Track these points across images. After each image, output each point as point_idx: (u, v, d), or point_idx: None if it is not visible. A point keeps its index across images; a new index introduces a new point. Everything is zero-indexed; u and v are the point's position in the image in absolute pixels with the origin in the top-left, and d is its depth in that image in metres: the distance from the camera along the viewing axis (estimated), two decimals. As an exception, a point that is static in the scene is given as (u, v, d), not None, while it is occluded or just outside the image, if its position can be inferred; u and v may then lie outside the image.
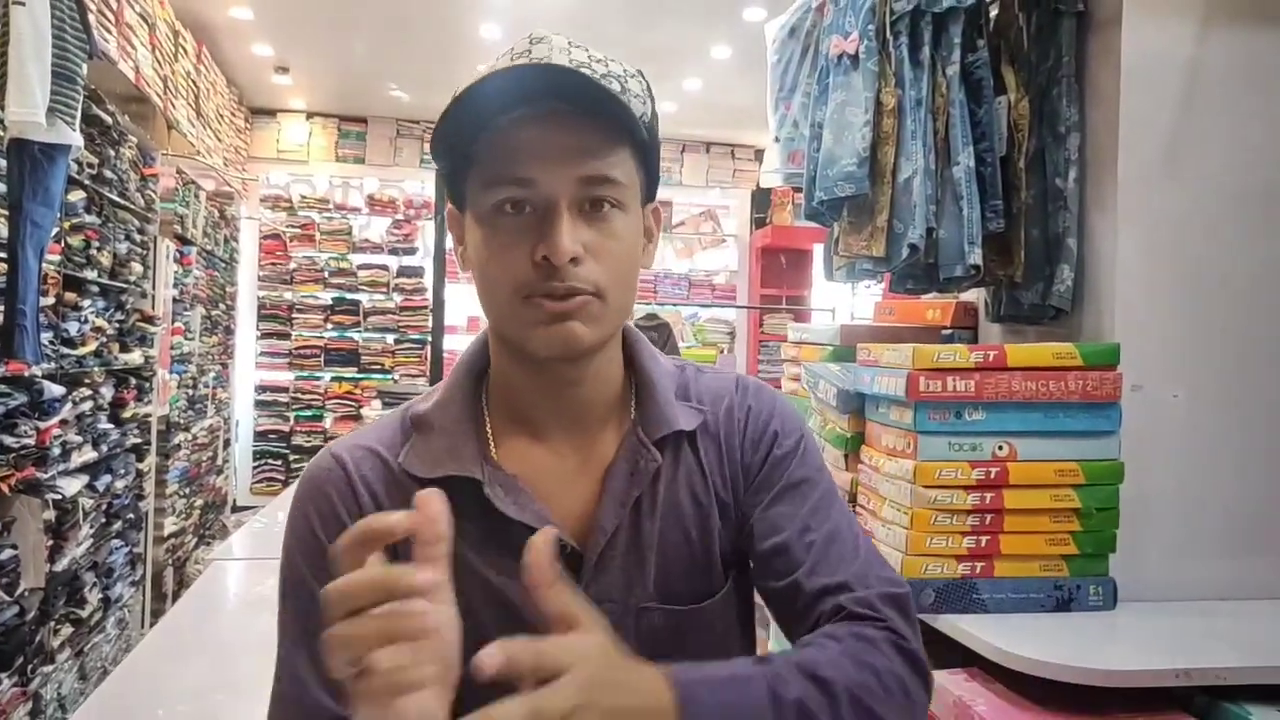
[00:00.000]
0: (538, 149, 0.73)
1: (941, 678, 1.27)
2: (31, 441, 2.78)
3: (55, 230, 2.79)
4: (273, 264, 6.98)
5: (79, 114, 2.46)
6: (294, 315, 6.97)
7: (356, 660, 0.54)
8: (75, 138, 2.41)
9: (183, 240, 4.86)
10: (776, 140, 2.00)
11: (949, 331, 1.82)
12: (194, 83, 5.02)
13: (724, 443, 0.85)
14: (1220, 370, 1.49)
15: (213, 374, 5.74)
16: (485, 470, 0.78)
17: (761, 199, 7.35)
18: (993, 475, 1.33)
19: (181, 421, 4.92)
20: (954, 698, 1.22)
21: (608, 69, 0.77)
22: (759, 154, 7.15)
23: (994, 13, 1.66)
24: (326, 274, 6.99)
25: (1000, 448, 1.35)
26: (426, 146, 7.10)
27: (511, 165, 0.73)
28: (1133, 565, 1.41)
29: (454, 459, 0.78)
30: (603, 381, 0.82)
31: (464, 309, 6.32)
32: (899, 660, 0.73)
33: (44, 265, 2.53)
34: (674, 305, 7.35)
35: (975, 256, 1.53)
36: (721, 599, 0.84)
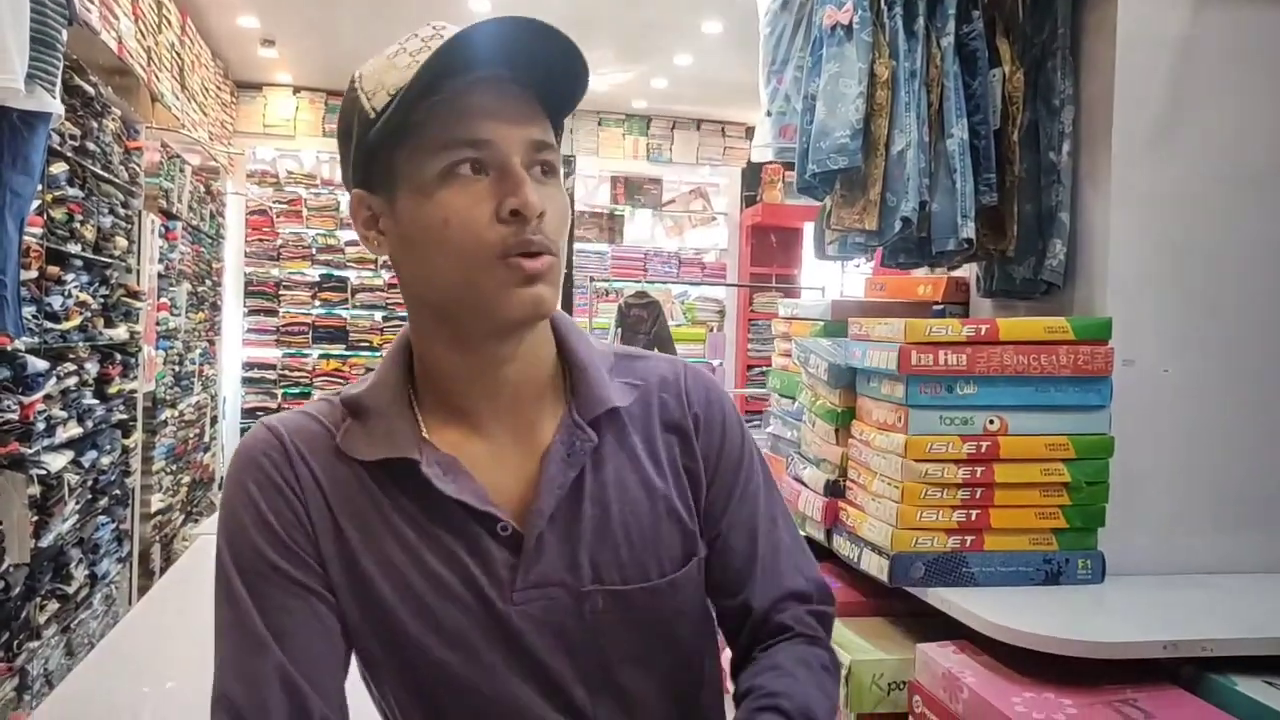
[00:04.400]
0: (493, 110, 0.74)
1: (931, 650, 1.28)
2: (15, 416, 2.75)
3: (37, 202, 2.75)
4: (260, 240, 6.91)
5: (59, 81, 2.42)
6: (281, 292, 6.92)
7: None
8: (56, 105, 2.36)
9: (168, 215, 4.80)
10: (768, 115, 1.97)
11: (940, 306, 1.82)
12: (178, 55, 4.95)
13: (668, 419, 0.86)
14: (1212, 345, 1.49)
15: (199, 350, 5.70)
16: (423, 451, 0.78)
17: (752, 176, 7.31)
18: (983, 449, 1.33)
19: (168, 398, 4.88)
20: (943, 670, 1.22)
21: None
22: (750, 131, 7.10)
23: (989, -16, 1.64)
24: (314, 250, 6.94)
25: (991, 422, 1.34)
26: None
27: (467, 127, 0.73)
28: (1122, 539, 1.41)
29: (390, 442, 0.78)
30: (535, 360, 0.82)
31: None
32: (835, 684, 0.87)
33: (25, 237, 2.49)
34: (664, 283, 7.33)
35: (968, 230, 1.52)
36: (669, 582, 0.83)
